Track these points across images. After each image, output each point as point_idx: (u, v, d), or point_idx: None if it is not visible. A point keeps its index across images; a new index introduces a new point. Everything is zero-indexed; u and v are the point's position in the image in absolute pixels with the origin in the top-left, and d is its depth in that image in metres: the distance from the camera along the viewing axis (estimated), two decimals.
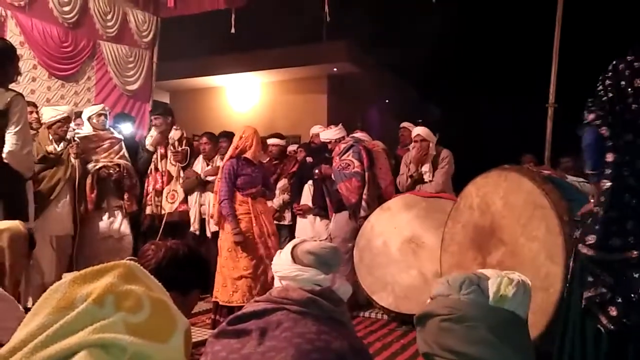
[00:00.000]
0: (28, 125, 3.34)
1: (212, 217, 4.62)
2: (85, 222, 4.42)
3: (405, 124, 6.04)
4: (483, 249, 3.31)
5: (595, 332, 1.87)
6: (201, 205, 5.09)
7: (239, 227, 4.11)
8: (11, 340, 0.91)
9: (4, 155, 3.12)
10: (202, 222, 5.11)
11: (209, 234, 5.01)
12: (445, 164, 4.63)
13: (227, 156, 4.35)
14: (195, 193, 5.10)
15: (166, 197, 4.97)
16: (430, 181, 4.63)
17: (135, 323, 0.95)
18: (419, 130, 4.74)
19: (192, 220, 5.10)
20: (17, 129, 3.12)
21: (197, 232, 5.08)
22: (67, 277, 1.04)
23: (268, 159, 5.52)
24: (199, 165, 5.17)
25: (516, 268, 2.71)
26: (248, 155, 4.23)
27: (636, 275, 1.76)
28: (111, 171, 4.48)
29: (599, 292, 1.83)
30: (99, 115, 4.59)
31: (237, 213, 4.17)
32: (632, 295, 1.76)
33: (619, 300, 1.79)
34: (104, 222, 4.46)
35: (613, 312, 1.79)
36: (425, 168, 4.65)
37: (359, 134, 5.15)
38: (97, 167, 4.45)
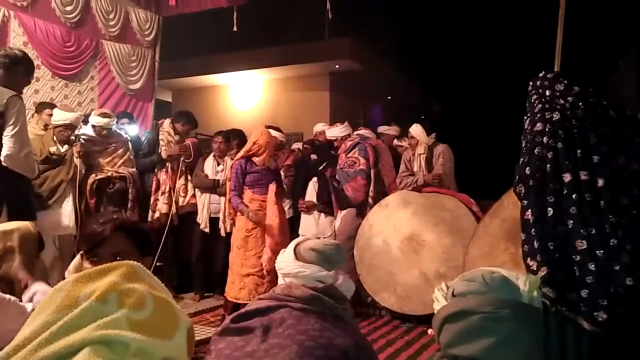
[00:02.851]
0: (26, 126, 3.28)
1: (228, 214, 4.66)
2: (83, 226, 4.43)
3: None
4: (518, 240, 3.28)
5: (575, 336, 1.83)
6: (211, 204, 5.11)
7: (251, 210, 4.18)
8: (15, 338, 0.92)
9: (2, 159, 3.08)
10: (212, 222, 5.12)
11: (223, 233, 5.01)
12: (441, 158, 4.61)
13: (237, 157, 4.46)
14: (206, 193, 5.14)
15: (179, 191, 5.05)
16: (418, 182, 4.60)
17: (138, 320, 0.96)
18: (410, 129, 4.77)
19: (202, 220, 5.13)
20: (15, 131, 3.07)
21: (207, 231, 5.10)
22: (71, 276, 1.05)
23: (282, 164, 5.52)
24: (210, 164, 5.20)
25: None
26: (256, 160, 4.34)
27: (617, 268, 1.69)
28: (115, 186, 4.49)
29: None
30: (107, 124, 4.61)
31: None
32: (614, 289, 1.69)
33: (605, 302, 1.72)
34: None
35: (601, 317, 1.72)
36: (415, 167, 4.63)
37: (363, 131, 5.15)
38: (99, 177, 4.45)
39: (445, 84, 13.89)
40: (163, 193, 4.99)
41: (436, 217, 4.28)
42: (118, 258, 1.68)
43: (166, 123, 5.23)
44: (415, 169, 4.60)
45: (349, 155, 4.79)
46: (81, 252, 1.80)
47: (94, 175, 4.44)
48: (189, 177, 5.15)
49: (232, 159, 5.09)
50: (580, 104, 1.95)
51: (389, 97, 13.48)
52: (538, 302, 1.37)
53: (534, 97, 2.13)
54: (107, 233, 1.71)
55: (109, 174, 4.49)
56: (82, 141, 4.39)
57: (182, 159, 5.09)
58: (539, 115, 2.04)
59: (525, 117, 2.14)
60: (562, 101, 1.98)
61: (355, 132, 5.08)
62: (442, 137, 5.10)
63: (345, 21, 8.98)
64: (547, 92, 2.06)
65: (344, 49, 10.56)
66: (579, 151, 1.85)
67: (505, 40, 11.96)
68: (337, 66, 11.04)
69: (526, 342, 1.26)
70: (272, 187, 4.29)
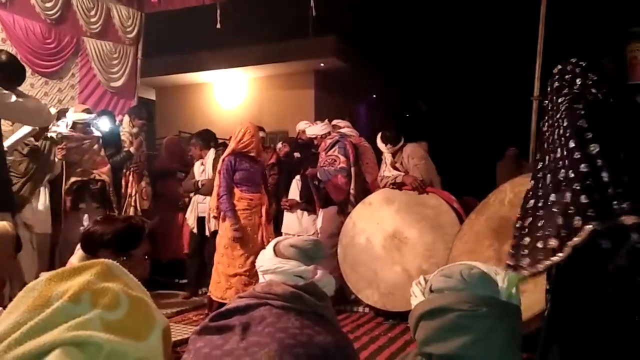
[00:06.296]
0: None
1: (211, 210, 4.65)
2: (65, 222, 4.38)
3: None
4: (502, 237, 3.33)
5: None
6: (198, 203, 5.12)
7: (239, 223, 4.18)
8: None
9: None
10: (200, 221, 5.14)
11: (207, 233, 5.01)
12: (412, 159, 4.58)
13: (227, 152, 4.41)
14: (193, 194, 5.20)
15: (141, 193, 5.13)
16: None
17: (112, 320, 0.94)
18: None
19: (191, 220, 5.16)
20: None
21: (196, 231, 5.11)
22: (44, 275, 1.03)
23: (266, 163, 5.56)
24: (197, 167, 5.24)
25: None
26: (252, 152, 4.30)
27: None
28: (97, 185, 4.47)
29: None
30: (89, 120, 4.57)
31: (236, 209, 4.26)
32: None
33: None
34: (83, 223, 4.44)
35: None
36: (386, 171, 4.61)
37: (344, 129, 5.14)
38: (82, 178, 4.40)
39: (430, 82, 13.96)
40: (130, 195, 5.00)
41: (418, 215, 4.31)
42: (146, 258, 1.72)
43: (125, 121, 5.26)
44: (386, 173, 4.60)
45: (329, 153, 4.79)
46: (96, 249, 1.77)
47: (77, 176, 4.40)
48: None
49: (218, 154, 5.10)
50: (612, 99, 1.96)
51: (374, 96, 13.52)
52: (516, 299, 1.36)
53: (571, 78, 2.09)
54: (145, 234, 1.73)
55: (92, 175, 4.46)
56: (64, 143, 4.33)
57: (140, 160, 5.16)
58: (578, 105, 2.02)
59: (563, 99, 2.09)
60: (594, 90, 1.98)
61: (337, 130, 5.08)
62: (426, 135, 5.11)
63: (330, 19, 8.98)
64: (578, 80, 2.05)
65: (328, 47, 10.57)
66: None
67: (489, 38, 12.06)
68: (321, 64, 11.03)
69: (503, 340, 1.25)
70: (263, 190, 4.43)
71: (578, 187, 1.81)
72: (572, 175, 1.84)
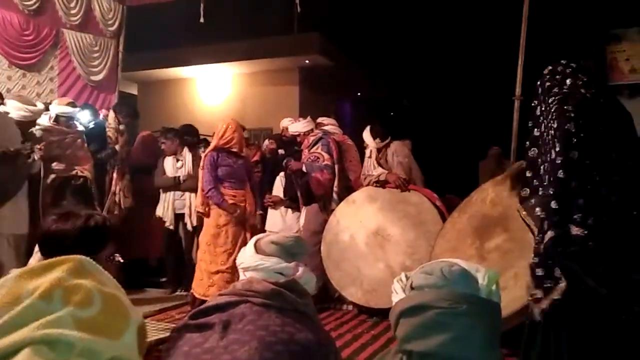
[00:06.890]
0: None
1: (196, 207, 4.59)
2: (44, 220, 4.28)
3: None
4: (484, 235, 3.37)
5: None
6: (175, 200, 5.04)
7: (236, 208, 4.22)
8: None
9: None
10: (176, 219, 5.08)
11: (189, 227, 4.95)
12: (397, 157, 4.59)
13: (209, 148, 4.40)
14: (170, 192, 5.09)
15: (123, 190, 5.05)
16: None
17: (84, 318, 0.91)
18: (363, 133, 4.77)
19: (167, 218, 5.07)
20: None
21: (172, 228, 5.04)
22: (14, 272, 0.99)
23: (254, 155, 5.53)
24: (169, 162, 5.12)
25: (514, 250, 2.91)
26: (235, 148, 4.29)
27: None
28: (80, 180, 4.39)
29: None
30: (74, 114, 4.49)
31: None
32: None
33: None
34: None
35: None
36: (371, 170, 4.62)
37: (328, 127, 5.12)
38: (63, 175, 4.32)
39: (414, 81, 14.00)
40: (114, 193, 4.93)
41: (401, 212, 4.33)
42: (113, 260, 1.64)
43: (110, 116, 5.17)
44: (370, 171, 4.61)
45: (312, 150, 4.77)
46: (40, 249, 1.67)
47: (58, 172, 4.32)
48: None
49: (190, 151, 5.06)
50: (602, 99, 2.00)
51: (359, 94, 13.52)
52: (497, 296, 1.36)
53: (555, 80, 2.12)
54: (110, 234, 1.63)
55: (74, 171, 4.38)
56: (44, 143, 4.23)
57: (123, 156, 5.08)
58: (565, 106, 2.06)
59: (553, 99, 2.11)
60: (583, 90, 2.01)
61: (320, 127, 5.06)
62: (409, 133, 5.12)
63: (314, 16, 8.96)
64: (568, 81, 2.07)
65: (313, 44, 10.52)
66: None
67: (472, 38, 12.14)
68: (306, 61, 10.99)
69: (483, 338, 1.25)
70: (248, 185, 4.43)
71: (551, 192, 1.85)
72: (551, 179, 1.88)
